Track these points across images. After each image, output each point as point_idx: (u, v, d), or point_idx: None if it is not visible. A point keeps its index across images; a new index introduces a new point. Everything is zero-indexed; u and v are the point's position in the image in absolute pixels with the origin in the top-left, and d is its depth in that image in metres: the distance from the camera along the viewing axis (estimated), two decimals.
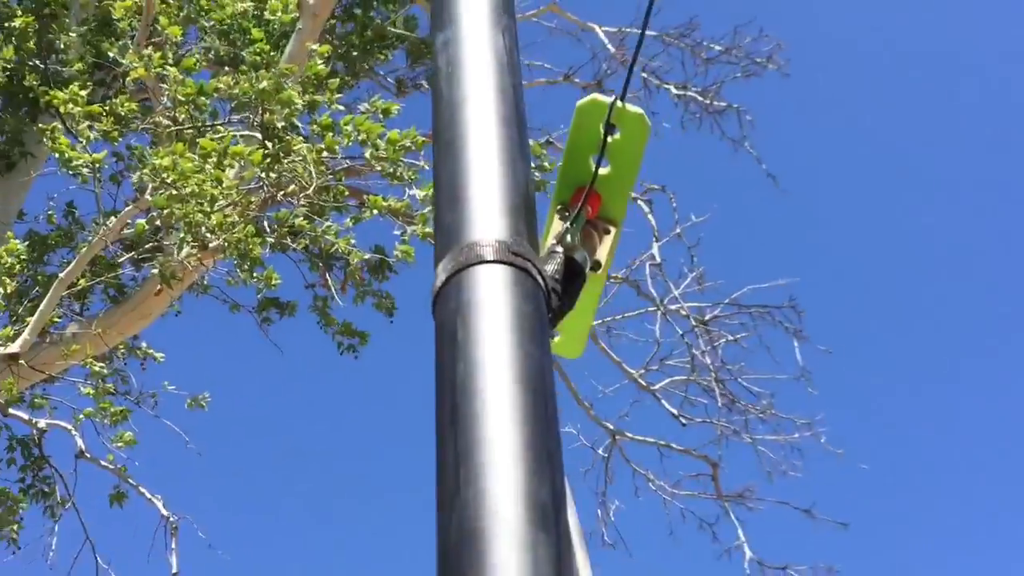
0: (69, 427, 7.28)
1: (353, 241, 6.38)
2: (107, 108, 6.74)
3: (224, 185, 6.14)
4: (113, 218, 6.66)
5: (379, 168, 6.57)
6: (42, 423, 7.26)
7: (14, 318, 7.18)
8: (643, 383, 9.39)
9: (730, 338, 9.43)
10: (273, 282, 6.51)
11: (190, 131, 6.59)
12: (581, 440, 9.74)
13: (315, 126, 6.50)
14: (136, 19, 7.13)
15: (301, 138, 6.31)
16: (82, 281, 6.91)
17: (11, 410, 7.08)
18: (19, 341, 6.58)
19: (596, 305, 1.85)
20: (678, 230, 9.63)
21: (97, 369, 6.91)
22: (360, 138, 6.41)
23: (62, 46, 7.99)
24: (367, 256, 6.91)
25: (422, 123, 6.66)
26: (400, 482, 17.43)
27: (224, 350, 14.86)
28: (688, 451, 9.64)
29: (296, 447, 16.73)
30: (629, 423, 9.74)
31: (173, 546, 7.24)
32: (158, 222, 6.80)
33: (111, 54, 7.25)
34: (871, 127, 18.26)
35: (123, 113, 6.78)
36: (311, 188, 6.16)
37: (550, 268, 1.57)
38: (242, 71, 6.97)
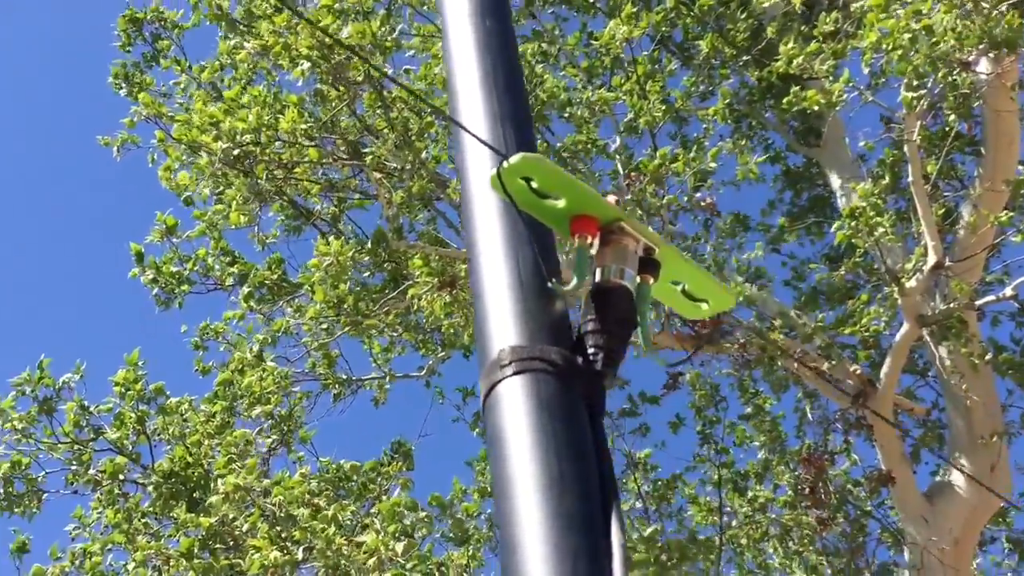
0: None
1: None
2: None
3: None
4: None
5: None
6: (1008, 291, 7.61)
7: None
8: None
9: None
10: None
11: None
12: None
13: None
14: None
15: None
16: None
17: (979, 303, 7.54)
18: (930, 251, 7.11)
19: (694, 265, 1.96)
20: None
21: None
22: None
23: None
24: None
25: None
26: None
27: None
28: None
29: None
30: None
31: None
32: None
33: None
34: None
35: None
36: None
37: (590, 314, 1.76)
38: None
